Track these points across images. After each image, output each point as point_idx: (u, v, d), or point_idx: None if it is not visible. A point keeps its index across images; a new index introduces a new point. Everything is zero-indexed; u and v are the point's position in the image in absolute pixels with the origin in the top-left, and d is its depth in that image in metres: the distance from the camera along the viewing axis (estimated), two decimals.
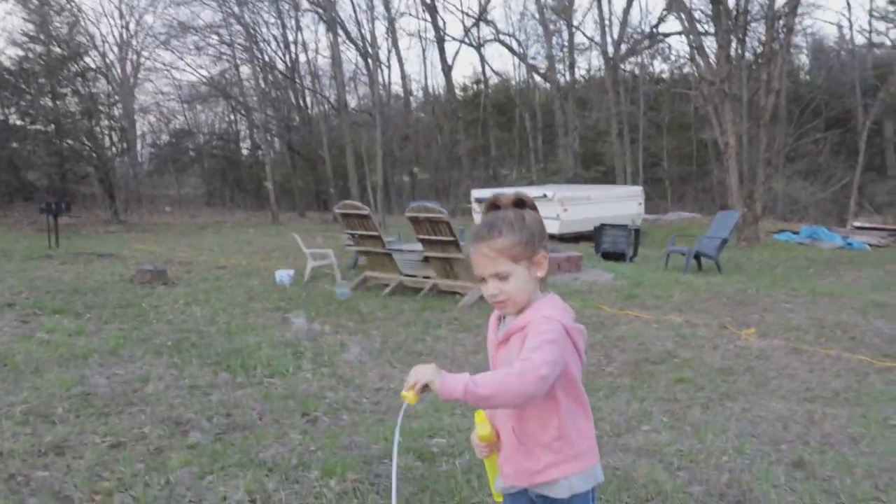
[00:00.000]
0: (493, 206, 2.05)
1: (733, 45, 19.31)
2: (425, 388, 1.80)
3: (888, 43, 33.29)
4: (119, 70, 34.88)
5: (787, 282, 11.37)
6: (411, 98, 42.36)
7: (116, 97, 31.46)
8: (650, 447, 4.20)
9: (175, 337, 6.73)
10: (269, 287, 10.28)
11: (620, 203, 20.32)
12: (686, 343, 7.11)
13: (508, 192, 2.08)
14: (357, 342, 6.89)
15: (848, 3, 41.56)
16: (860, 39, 35.39)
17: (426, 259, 10.17)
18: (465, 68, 58.94)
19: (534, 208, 2.04)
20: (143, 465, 3.65)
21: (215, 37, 31.91)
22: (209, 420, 4.40)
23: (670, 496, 3.50)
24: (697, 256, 13.17)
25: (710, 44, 20.59)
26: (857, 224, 20.64)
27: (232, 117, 40.45)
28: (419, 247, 10.34)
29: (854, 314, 8.56)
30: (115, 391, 4.85)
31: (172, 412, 4.48)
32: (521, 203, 2.03)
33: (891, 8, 32.23)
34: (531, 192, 19.61)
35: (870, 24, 34.54)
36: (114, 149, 29.66)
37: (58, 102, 27.31)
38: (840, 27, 49.25)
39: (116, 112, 30.92)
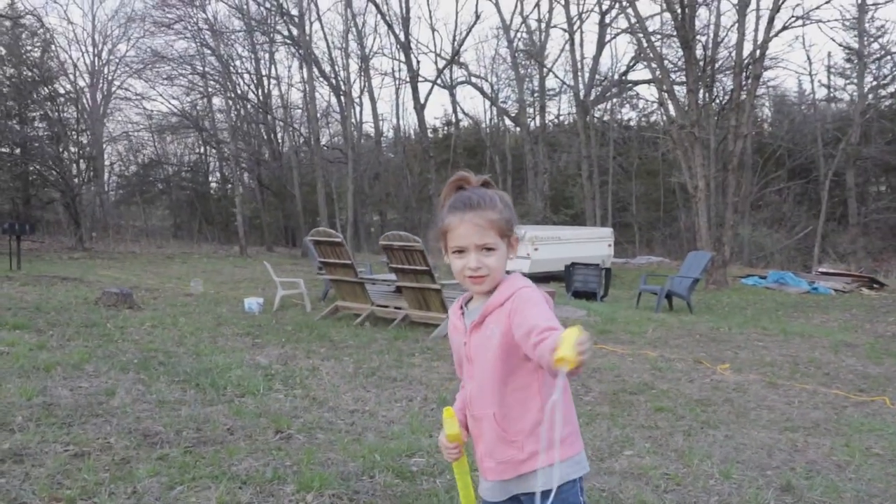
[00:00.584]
0: (458, 187, 1.95)
1: (701, 91, 19.62)
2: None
3: (846, 97, 34.24)
4: (89, 97, 34.59)
5: (758, 322, 11.42)
6: (382, 138, 42.50)
7: (85, 124, 31.13)
8: (635, 470, 4.10)
9: (142, 356, 6.51)
10: (238, 314, 10.09)
11: (591, 244, 20.36)
12: (662, 375, 7.04)
13: (477, 177, 1.97)
14: (329, 367, 6.72)
15: (808, 58, 42.77)
16: (821, 93, 36.37)
17: (398, 289, 10.04)
18: (437, 109, 59.27)
19: (502, 192, 1.97)
20: (108, 475, 3.46)
21: (188, 67, 31.84)
22: (178, 434, 4.21)
23: None
24: (669, 296, 13.19)
25: (679, 89, 20.94)
26: (822, 270, 20.90)
27: (202, 149, 40.23)
28: (392, 277, 10.23)
29: (826, 352, 8.60)
30: (80, 402, 4.65)
31: (139, 424, 4.29)
32: (487, 185, 1.96)
33: (847, 65, 33.21)
34: None
35: (829, 78, 35.54)
36: (81, 176, 29.22)
37: (25, 126, 26.95)
38: (800, 81, 50.71)
39: (85, 139, 30.54)
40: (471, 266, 1.86)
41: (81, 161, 29.70)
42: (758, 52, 19.40)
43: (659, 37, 23.84)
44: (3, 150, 27.21)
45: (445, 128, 42.33)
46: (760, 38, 19.39)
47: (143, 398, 4.95)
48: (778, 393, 6.45)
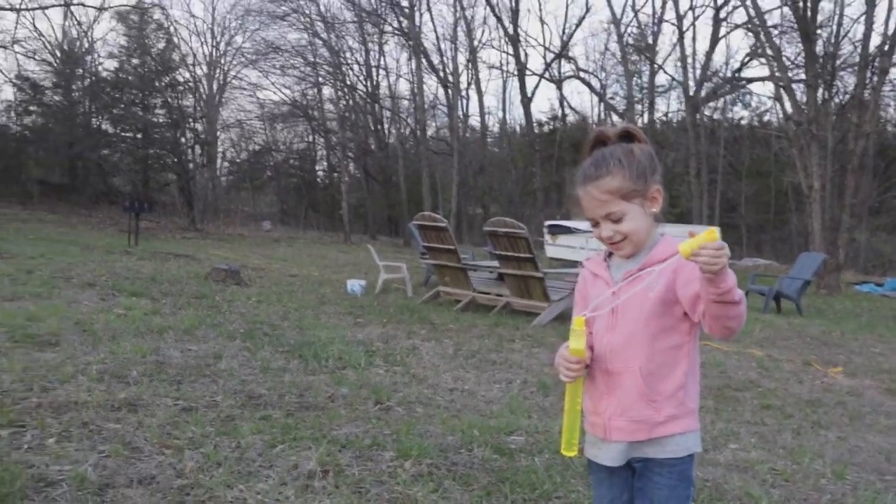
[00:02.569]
0: (598, 142, 1.88)
1: (821, 88, 18.76)
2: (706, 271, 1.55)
3: None
4: (206, 86, 35.96)
5: (874, 329, 10.86)
6: (488, 131, 42.52)
7: (202, 112, 32.39)
8: (740, 463, 3.94)
9: (248, 326, 6.71)
10: (341, 295, 10.27)
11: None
12: (769, 375, 6.77)
13: (616, 126, 1.91)
14: (430, 348, 6.75)
15: None
16: None
17: (500, 277, 10.01)
18: (544, 104, 58.89)
19: (644, 141, 1.87)
20: (214, 429, 3.58)
21: (300, 58, 32.65)
22: (281, 397, 4.32)
23: None
24: (777, 298, 12.67)
25: (796, 87, 20.09)
26: None
27: (311, 138, 41.22)
28: (494, 264, 10.20)
29: None
30: (189, 363, 4.83)
31: (245, 387, 4.42)
32: (629, 136, 1.87)
33: None
34: None
35: None
36: (196, 161, 30.46)
37: (147, 113, 28.30)
38: None
39: (201, 126, 31.80)
40: (605, 235, 1.84)
41: (197, 147, 30.97)
42: (886, 44, 18.37)
43: (777, 31, 22.95)
44: (127, 134, 28.63)
45: (551, 122, 41.93)
46: (891, 29, 18.37)
47: (248, 364, 5.10)
48: None
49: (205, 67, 36.45)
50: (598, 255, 1.98)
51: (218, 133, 36.54)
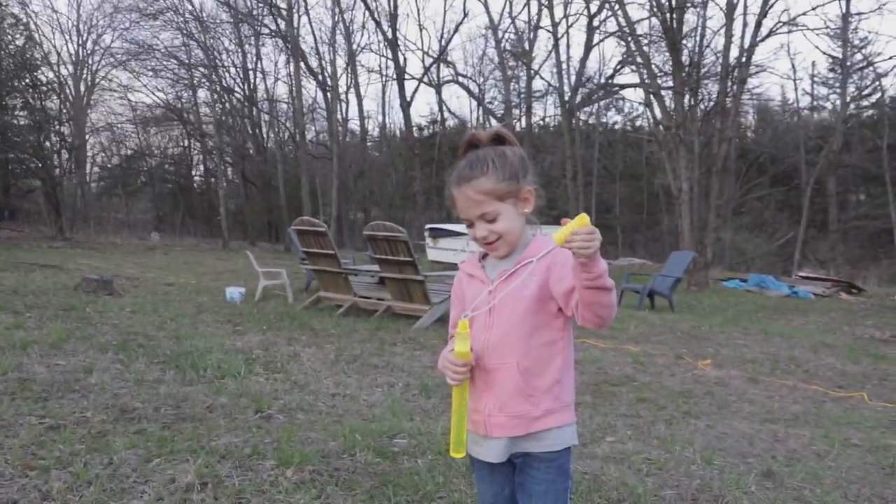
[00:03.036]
0: (471, 145, 1.92)
1: (687, 95, 19.70)
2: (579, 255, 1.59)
3: (829, 106, 34.62)
4: (73, 87, 34.27)
5: (739, 322, 11.47)
6: (368, 135, 42.41)
7: (68, 114, 30.86)
8: (617, 455, 4.08)
9: (121, 338, 6.44)
10: (220, 303, 10.02)
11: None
12: (644, 369, 7.05)
13: (487, 130, 1.95)
14: (310, 354, 6.67)
15: (793, 66, 43.13)
16: (804, 101, 36.67)
17: (381, 281, 10.00)
18: (423, 108, 59.35)
19: (515, 144, 1.93)
20: (84, 447, 3.42)
21: (174, 59, 31.63)
22: (156, 410, 4.17)
23: (642, 498, 3.38)
24: (651, 295, 13.21)
25: (665, 93, 21.01)
26: (803, 274, 21.05)
27: (186, 142, 39.99)
28: (374, 268, 10.18)
29: (805, 352, 8.64)
30: (56, 379, 4.59)
31: (117, 400, 4.24)
32: (500, 139, 1.92)
33: (830, 74, 33.54)
34: None
35: (812, 87, 35.90)
36: (63, 166, 28.98)
37: (6, 115, 26.68)
38: (783, 90, 51.14)
39: (67, 129, 30.27)
40: (479, 235, 1.88)
41: (63, 151, 29.46)
42: (744, 56, 19.51)
43: (646, 41, 23.92)
44: None
45: (431, 126, 42.31)
46: (747, 42, 19.52)
47: (121, 377, 4.90)
48: (758, 388, 6.46)
49: (70, 67, 34.73)
50: (473, 256, 2.02)
51: (87, 137, 34.90)
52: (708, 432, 4.76)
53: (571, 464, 1.93)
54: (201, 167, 41.59)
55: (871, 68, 30.68)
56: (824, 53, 31.02)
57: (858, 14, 26.53)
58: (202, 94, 35.03)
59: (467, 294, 1.97)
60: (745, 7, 20.38)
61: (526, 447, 1.88)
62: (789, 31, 20.32)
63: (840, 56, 30.00)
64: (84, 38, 35.38)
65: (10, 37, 27.54)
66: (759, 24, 18.84)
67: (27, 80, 26.98)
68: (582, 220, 1.59)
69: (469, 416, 1.89)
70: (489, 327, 1.87)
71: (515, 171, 1.86)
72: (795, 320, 12.85)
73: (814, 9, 29.91)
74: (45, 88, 28.28)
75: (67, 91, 33.05)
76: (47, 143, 27.77)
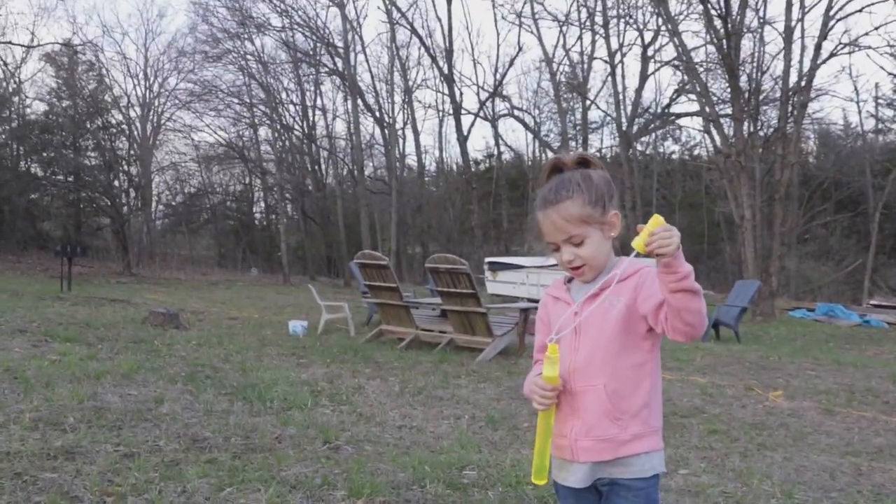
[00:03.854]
0: (555, 168, 1.91)
1: (747, 122, 19.43)
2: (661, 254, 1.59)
3: (895, 128, 33.75)
4: (140, 128, 35.40)
5: (809, 352, 11.14)
6: (425, 170, 42.75)
7: (136, 154, 31.85)
8: (692, 488, 3.97)
9: (189, 369, 6.55)
10: (283, 336, 10.12)
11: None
12: (713, 401, 6.87)
13: (571, 154, 1.94)
14: (375, 386, 6.67)
15: (856, 89, 42.25)
16: (869, 124, 35.80)
17: (443, 313, 9.98)
18: (479, 142, 59.59)
19: (600, 167, 1.91)
20: (158, 475, 3.46)
21: (235, 99, 32.44)
22: (226, 440, 4.20)
23: None
24: (716, 325, 12.94)
25: (723, 120, 20.76)
26: (874, 302, 20.39)
27: (247, 179, 40.81)
28: (436, 301, 10.18)
29: (883, 381, 8.32)
30: (129, 408, 4.68)
31: (188, 430, 4.29)
32: (585, 162, 1.90)
33: (895, 96, 32.73)
34: (544, 261, 19.48)
35: (876, 109, 35.03)
36: (130, 204, 29.86)
37: (79, 156, 27.68)
38: (845, 114, 49.98)
39: (135, 169, 31.23)
40: (565, 259, 1.85)
41: (131, 190, 30.37)
42: (804, 80, 19.17)
43: (703, 68, 23.73)
44: (58, 177, 27.94)
45: (488, 160, 42.39)
46: (807, 66, 19.20)
47: (191, 407, 4.96)
48: (835, 420, 6.23)
49: (138, 109, 35.94)
50: (559, 280, 2.00)
51: (152, 176, 35.94)
52: (785, 465, 4.59)
53: (658, 494, 1.87)
54: (262, 203, 42.39)
55: None
56: (889, 73, 30.27)
57: None
58: (263, 132, 35.86)
59: (553, 317, 1.94)
60: (804, 30, 20.19)
61: (613, 473, 1.83)
62: (850, 53, 19.90)
63: None
64: (151, 82, 36.68)
65: (83, 82, 28.65)
66: (818, 47, 18.52)
67: (98, 123, 27.98)
68: (657, 221, 1.59)
69: (554, 440, 1.85)
70: (575, 349, 1.84)
71: (602, 195, 1.84)
72: (869, 350, 12.43)
73: (876, 28, 29.39)
74: (114, 130, 29.29)
75: (135, 132, 34.17)
76: (116, 183, 28.67)
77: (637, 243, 1.60)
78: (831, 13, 18.28)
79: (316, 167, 38.33)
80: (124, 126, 30.82)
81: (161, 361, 6.91)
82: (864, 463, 4.72)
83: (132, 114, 34.44)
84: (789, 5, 18.97)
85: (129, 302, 13.74)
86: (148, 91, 36.64)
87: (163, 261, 31.84)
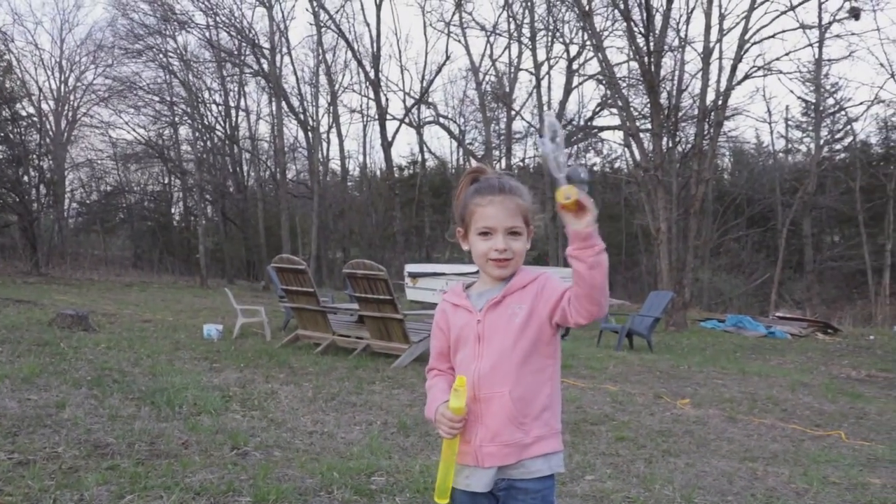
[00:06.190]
0: (474, 179, 1.97)
1: (665, 137, 19.97)
2: (580, 205, 1.67)
3: (803, 149, 35.31)
4: (53, 123, 34.18)
5: (717, 361, 11.52)
6: (348, 175, 42.53)
7: (48, 149, 30.72)
8: (597, 494, 4.06)
9: (95, 373, 6.35)
10: (197, 340, 9.92)
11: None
12: (623, 408, 7.03)
13: (495, 170, 2.02)
14: (288, 391, 6.61)
15: (768, 110, 44.03)
16: (779, 144, 37.34)
17: (360, 319, 9.95)
18: (404, 148, 59.62)
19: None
20: (54, 483, 3.35)
21: (156, 96, 31.67)
22: (130, 446, 4.10)
23: None
24: (629, 335, 13.24)
25: (643, 135, 21.29)
26: (780, 314, 21.18)
27: (166, 180, 39.84)
28: (353, 306, 10.14)
29: (783, 391, 8.67)
30: (27, 413, 4.51)
31: (90, 436, 4.17)
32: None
33: (804, 118, 34.22)
34: (464, 268, 19.62)
35: (787, 130, 36.58)
36: (40, 201, 28.77)
37: None
38: (758, 133, 52.02)
39: (46, 164, 30.12)
40: (498, 247, 1.87)
41: (42, 186, 29.27)
42: (720, 99, 19.84)
43: (625, 84, 24.29)
44: None
45: (412, 167, 42.42)
46: (723, 86, 19.86)
47: (94, 412, 4.82)
48: (737, 426, 6.47)
49: (52, 103, 34.67)
50: (457, 286, 2.03)
51: (66, 172, 34.70)
52: (687, 470, 4.75)
53: (555, 497, 1.92)
54: (181, 205, 41.40)
55: (842, 112, 31.38)
56: (798, 97, 31.71)
57: (829, 60, 27.09)
58: (183, 131, 35.08)
59: (453, 323, 1.97)
60: (721, 52, 20.95)
61: (512, 475, 1.87)
62: (764, 76, 20.78)
63: (813, 100, 30.62)
64: (66, 75, 35.42)
65: None
66: (734, 69, 19.20)
67: (6, 114, 26.88)
68: (568, 189, 1.66)
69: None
70: (480, 356, 1.88)
71: (534, 204, 1.94)
72: (773, 360, 12.92)
73: (787, 54, 30.77)
74: (25, 123, 28.19)
75: (48, 126, 32.96)
76: (25, 178, 27.59)
77: (558, 196, 1.66)
78: (747, 37, 18.97)
79: (237, 169, 37.71)
80: (36, 119, 29.72)
81: (66, 365, 6.69)
82: (759, 467, 4.92)
83: (45, 107, 33.26)
84: (708, 27, 19.62)
85: (36, 303, 13.24)
86: (63, 84, 35.41)
87: (74, 261, 30.79)
